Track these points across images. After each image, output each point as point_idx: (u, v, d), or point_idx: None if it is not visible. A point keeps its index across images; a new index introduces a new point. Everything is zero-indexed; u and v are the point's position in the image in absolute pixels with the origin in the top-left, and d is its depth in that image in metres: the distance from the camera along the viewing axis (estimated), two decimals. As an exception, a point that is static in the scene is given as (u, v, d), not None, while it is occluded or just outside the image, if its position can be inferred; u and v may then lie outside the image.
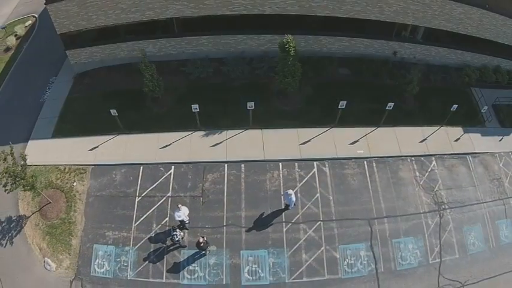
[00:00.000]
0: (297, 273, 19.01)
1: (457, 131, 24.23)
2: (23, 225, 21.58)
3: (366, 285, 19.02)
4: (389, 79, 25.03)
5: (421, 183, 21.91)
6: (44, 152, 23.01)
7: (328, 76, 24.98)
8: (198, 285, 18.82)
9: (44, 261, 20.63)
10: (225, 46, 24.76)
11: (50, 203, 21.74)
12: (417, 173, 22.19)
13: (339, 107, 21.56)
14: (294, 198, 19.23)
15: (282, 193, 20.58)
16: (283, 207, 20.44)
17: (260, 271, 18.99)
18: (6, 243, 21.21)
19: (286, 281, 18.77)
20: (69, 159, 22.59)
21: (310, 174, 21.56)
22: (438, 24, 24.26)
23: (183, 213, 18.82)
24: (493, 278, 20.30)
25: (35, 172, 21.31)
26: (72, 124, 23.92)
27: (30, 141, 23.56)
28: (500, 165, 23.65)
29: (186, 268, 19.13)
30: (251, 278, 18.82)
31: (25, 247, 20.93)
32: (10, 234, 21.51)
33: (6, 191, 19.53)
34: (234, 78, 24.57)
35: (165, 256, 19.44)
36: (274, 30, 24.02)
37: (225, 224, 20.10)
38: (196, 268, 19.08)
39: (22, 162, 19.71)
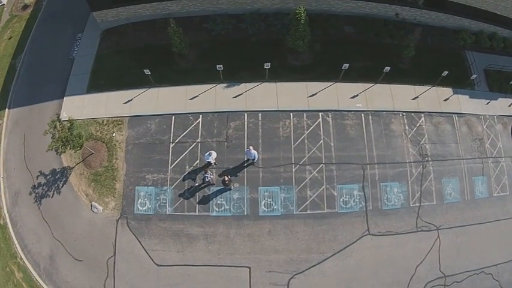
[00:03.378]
0: (303, 206, 23.12)
1: (447, 91, 26.52)
2: (68, 175, 24.88)
3: (356, 220, 23.18)
4: (389, 39, 27.28)
5: (409, 136, 25.13)
6: (80, 107, 25.45)
7: (335, 34, 27.28)
8: (225, 216, 23.17)
9: (91, 205, 24.28)
10: (242, 4, 26.69)
11: (93, 153, 24.74)
12: (406, 127, 25.26)
13: (342, 68, 24.32)
14: (254, 153, 22.58)
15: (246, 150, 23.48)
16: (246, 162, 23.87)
17: (274, 204, 23.15)
18: (53, 193, 24.62)
19: (294, 213, 23.01)
20: (106, 112, 25.28)
21: (316, 123, 24.85)
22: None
23: (212, 158, 22.70)
24: (464, 226, 23.71)
25: (77, 128, 23.66)
26: (105, 79, 26.09)
27: (65, 98, 25.80)
28: (484, 127, 26.22)
29: (215, 202, 23.35)
30: (266, 209, 23.09)
31: (72, 195, 24.44)
32: (56, 185, 24.85)
33: (58, 154, 22.48)
34: (252, 34, 26.92)
35: (196, 193, 23.51)
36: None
37: (245, 164, 23.93)
38: (222, 202, 23.32)
39: (69, 125, 21.99)
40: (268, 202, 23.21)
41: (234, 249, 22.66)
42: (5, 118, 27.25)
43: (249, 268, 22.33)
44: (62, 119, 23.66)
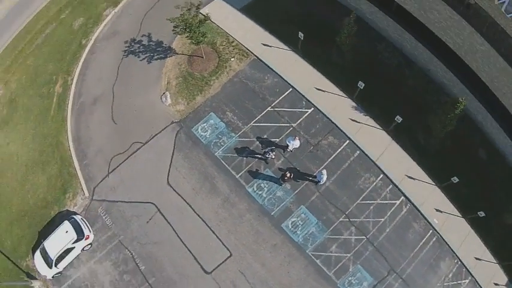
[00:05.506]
0: (319, 252, 21.31)
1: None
2: (167, 56, 24.84)
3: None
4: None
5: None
6: (224, 16, 25.30)
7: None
8: (254, 200, 22.09)
9: (164, 94, 24.09)
10: (424, 60, 24.67)
11: (202, 58, 24.31)
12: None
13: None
14: (324, 177, 21.20)
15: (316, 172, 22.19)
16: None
17: (299, 229, 21.71)
18: (143, 60, 24.74)
19: (306, 251, 21.30)
20: (241, 38, 24.94)
21: (404, 208, 22.38)
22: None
23: (293, 144, 21.46)
24: None
25: (207, 28, 23.34)
26: (261, 11, 25.59)
27: (216, 0, 25.76)
28: None
29: (258, 182, 22.29)
30: (290, 227, 21.72)
31: (156, 72, 24.48)
32: (152, 55, 25.02)
33: (173, 32, 22.25)
34: (407, 80, 24.66)
35: (252, 162, 22.59)
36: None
37: (310, 178, 22.37)
38: (264, 188, 22.19)
39: (202, 19, 21.82)
40: (297, 223, 21.80)
41: (235, 230, 21.76)
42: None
43: (230, 254, 21.43)
44: (200, 11, 23.27)
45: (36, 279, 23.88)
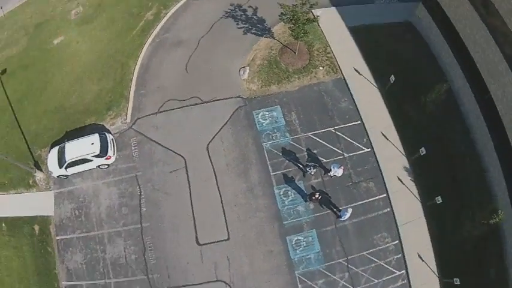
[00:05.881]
0: (303, 278, 21.04)
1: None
2: (264, 35, 25.35)
3: None
4: None
5: None
6: (332, 25, 25.32)
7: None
8: (275, 203, 22.03)
9: (244, 68, 24.48)
10: None
11: (294, 53, 24.51)
12: None
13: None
14: (348, 215, 21.00)
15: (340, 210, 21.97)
16: None
17: (298, 248, 21.41)
18: (240, 29, 25.36)
19: (295, 272, 20.93)
20: (338, 53, 24.84)
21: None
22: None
23: (336, 171, 21.37)
24: None
25: (311, 28, 23.53)
26: (366, 38, 25.17)
27: (333, 8, 25.86)
28: None
29: (287, 189, 22.26)
30: (293, 244, 21.46)
31: (247, 45, 25.25)
32: (250, 28, 25.76)
33: (279, 18, 22.58)
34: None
35: (291, 168, 22.52)
36: None
37: (334, 210, 21.96)
38: (290, 197, 22.12)
39: (310, 17, 22.13)
40: (301, 243, 21.57)
41: (244, 220, 21.81)
42: None
43: (228, 238, 21.54)
44: (312, 10, 23.26)
45: (42, 171, 24.27)
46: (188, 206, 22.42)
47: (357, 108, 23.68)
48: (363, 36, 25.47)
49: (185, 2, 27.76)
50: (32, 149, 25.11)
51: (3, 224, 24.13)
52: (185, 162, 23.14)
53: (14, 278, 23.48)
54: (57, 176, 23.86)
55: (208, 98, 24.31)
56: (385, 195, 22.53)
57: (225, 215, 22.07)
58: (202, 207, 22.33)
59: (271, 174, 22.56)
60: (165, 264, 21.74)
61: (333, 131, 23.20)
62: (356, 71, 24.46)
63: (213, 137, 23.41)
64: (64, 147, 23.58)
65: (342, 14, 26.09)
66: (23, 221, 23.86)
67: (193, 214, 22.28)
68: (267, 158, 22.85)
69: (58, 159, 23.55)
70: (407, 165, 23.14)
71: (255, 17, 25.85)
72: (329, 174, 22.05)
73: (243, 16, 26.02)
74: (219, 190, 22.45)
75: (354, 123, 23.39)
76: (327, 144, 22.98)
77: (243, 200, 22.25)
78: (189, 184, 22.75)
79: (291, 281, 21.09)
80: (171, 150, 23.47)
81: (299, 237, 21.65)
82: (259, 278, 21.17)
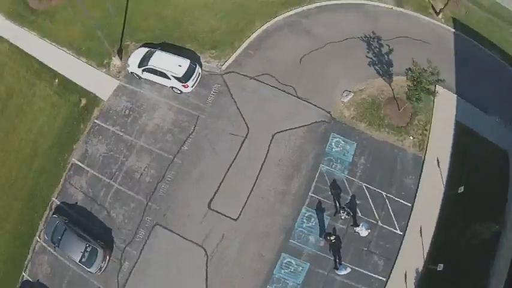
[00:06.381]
0: None
1: None
2: (381, 74, 25.42)
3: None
4: None
5: None
6: (446, 106, 25.00)
7: None
8: (295, 219, 22.24)
9: (348, 92, 24.46)
10: None
11: (398, 110, 24.36)
12: None
13: None
14: (347, 272, 21.25)
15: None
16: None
17: (285, 271, 21.68)
18: (358, 56, 25.59)
19: None
20: (435, 136, 24.39)
21: None
22: None
23: (361, 230, 21.52)
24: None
25: (426, 98, 23.20)
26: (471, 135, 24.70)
27: (454, 95, 25.47)
28: None
29: (312, 215, 22.40)
30: (284, 269, 21.59)
31: (361, 80, 25.13)
32: (372, 65, 25.67)
33: (405, 71, 22.61)
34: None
35: (328, 200, 22.57)
36: None
37: (336, 260, 21.73)
38: (310, 223, 22.28)
39: (431, 89, 21.96)
40: (290, 266, 21.65)
41: (259, 215, 22.17)
42: None
43: (236, 219, 22.03)
44: (437, 86, 23.21)
45: (120, 59, 25.00)
46: (223, 171, 22.98)
47: (416, 193, 23.48)
48: (462, 135, 24.99)
49: (336, 3, 27.75)
50: (124, 37, 26.10)
51: (56, 80, 25.30)
52: (247, 133, 23.59)
53: (34, 130, 24.55)
54: (131, 72, 24.49)
55: (302, 96, 24.61)
56: (385, 279, 22.38)
57: (247, 200, 22.50)
58: (233, 180, 22.84)
59: (310, 194, 22.78)
60: (168, 203, 22.53)
61: (384, 196, 23.14)
62: (437, 160, 24.23)
63: (285, 130, 23.74)
64: (153, 52, 24.06)
65: (457, 105, 25.68)
66: (76, 89, 25.06)
67: (222, 180, 22.85)
68: (315, 178, 23.04)
69: (142, 59, 24.13)
70: (421, 271, 22.57)
71: (387, 56, 25.77)
72: (355, 228, 22.18)
73: (377, 49, 25.98)
74: (258, 176, 22.86)
75: (405, 202, 23.20)
76: (371, 204, 22.95)
77: (271, 198, 22.63)
78: (237, 153, 23.27)
79: (260, 293, 21.51)
80: (242, 117, 23.95)
81: (292, 261, 21.89)
82: (236, 269, 21.61)
